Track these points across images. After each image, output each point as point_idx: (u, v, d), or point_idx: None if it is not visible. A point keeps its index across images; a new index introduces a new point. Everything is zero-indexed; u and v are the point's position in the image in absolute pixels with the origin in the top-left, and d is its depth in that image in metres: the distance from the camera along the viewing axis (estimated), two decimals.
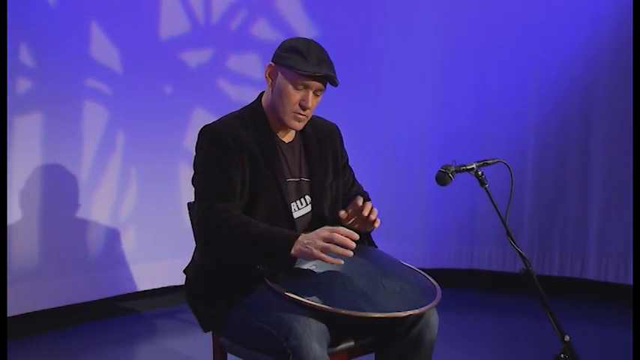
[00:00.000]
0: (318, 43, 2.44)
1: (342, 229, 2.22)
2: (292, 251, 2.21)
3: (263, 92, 2.53)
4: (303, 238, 2.22)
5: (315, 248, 2.18)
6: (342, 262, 2.19)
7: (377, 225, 2.43)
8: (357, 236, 2.22)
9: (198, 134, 2.44)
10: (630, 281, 4.54)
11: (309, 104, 2.40)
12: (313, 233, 2.22)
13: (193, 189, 2.45)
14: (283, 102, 2.41)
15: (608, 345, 4.07)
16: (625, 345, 4.10)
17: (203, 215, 2.34)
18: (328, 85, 2.43)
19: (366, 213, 2.39)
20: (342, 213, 2.46)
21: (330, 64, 2.41)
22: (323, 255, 2.18)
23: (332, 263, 2.19)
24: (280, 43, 2.48)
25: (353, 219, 2.45)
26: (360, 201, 2.40)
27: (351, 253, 2.19)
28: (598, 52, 4.52)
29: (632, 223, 4.50)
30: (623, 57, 4.46)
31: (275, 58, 2.44)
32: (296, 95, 2.40)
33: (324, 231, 2.21)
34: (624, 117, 4.50)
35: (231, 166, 2.37)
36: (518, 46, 4.67)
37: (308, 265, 2.25)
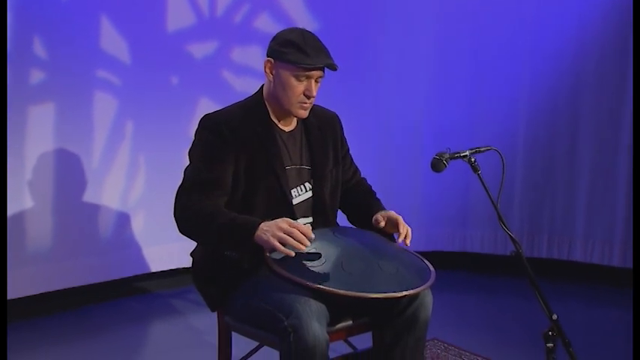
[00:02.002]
0: (310, 32, 2.43)
1: (301, 226, 2.22)
2: (254, 237, 2.21)
3: (264, 84, 2.52)
4: (263, 225, 2.22)
5: (272, 236, 2.18)
6: (293, 253, 2.18)
7: (408, 244, 2.44)
8: (312, 236, 2.22)
9: (199, 122, 2.44)
10: (614, 263, 4.55)
11: (313, 92, 2.40)
12: (272, 222, 2.21)
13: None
14: (288, 94, 2.40)
15: (593, 323, 4.08)
16: (609, 322, 4.12)
17: (178, 207, 2.35)
18: (329, 73, 2.42)
19: (401, 239, 2.42)
20: (382, 224, 2.47)
21: (326, 52, 2.40)
22: (278, 244, 2.17)
23: (284, 253, 2.18)
24: (274, 36, 2.45)
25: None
26: (401, 227, 2.42)
27: (304, 248, 2.19)
28: (586, 45, 4.51)
29: (617, 208, 4.51)
30: (610, 50, 4.46)
31: (273, 54, 2.41)
32: (299, 86, 2.39)
33: (284, 222, 2.21)
34: (610, 107, 4.50)
35: (224, 156, 2.37)
36: (510, 39, 4.66)
37: (308, 249, 2.25)
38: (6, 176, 3.54)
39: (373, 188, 2.76)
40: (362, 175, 2.79)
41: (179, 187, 2.39)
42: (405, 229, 2.43)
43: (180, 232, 2.36)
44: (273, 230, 2.19)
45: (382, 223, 2.48)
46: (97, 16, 3.97)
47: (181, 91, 4.28)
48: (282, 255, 2.22)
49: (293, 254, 2.18)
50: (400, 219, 2.45)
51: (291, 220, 2.24)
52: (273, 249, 2.19)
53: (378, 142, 4.82)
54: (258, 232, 2.21)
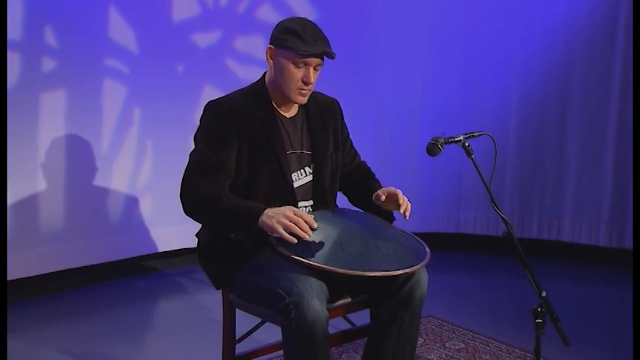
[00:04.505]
0: (311, 21, 2.42)
1: (306, 215, 2.21)
2: (259, 222, 2.21)
3: (267, 72, 2.51)
4: (269, 211, 2.21)
5: (277, 223, 2.17)
6: (296, 241, 2.17)
7: (407, 217, 2.41)
8: (316, 226, 2.21)
9: (204, 108, 2.43)
10: (601, 243, 4.57)
11: (311, 79, 2.39)
12: (278, 210, 2.21)
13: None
14: (287, 80, 2.39)
15: (580, 300, 4.10)
16: (595, 299, 4.15)
17: (184, 190, 2.35)
18: (328, 61, 2.41)
19: (402, 210, 2.39)
20: (383, 198, 2.43)
21: (325, 40, 2.38)
22: (282, 231, 2.16)
23: (287, 240, 2.17)
24: (276, 24, 2.45)
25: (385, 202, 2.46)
26: (400, 199, 2.39)
27: (307, 236, 2.18)
28: (574, 35, 4.51)
29: (603, 191, 4.53)
30: (598, 40, 4.46)
31: (274, 41, 2.40)
32: (298, 73, 2.38)
33: (289, 211, 2.20)
34: (597, 95, 4.51)
35: (228, 141, 2.36)
36: (502, 30, 4.65)
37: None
38: (6, 165, 3.53)
39: (372, 171, 2.75)
40: (362, 160, 2.78)
41: (185, 171, 2.39)
42: (404, 201, 2.41)
43: (186, 213, 2.36)
44: (278, 217, 2.18)
45: (383, 197, 2.45)
46: (105, 7, 3.96)
47: (187, 79, 4.28)
48: (250, 241, 2.23)
49: (295, 241, 2.18)
50: (399, 192, 2.42)
51: (296, 209, 2.23)
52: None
53: (375, 128, 4.81)
54: (263, 218, 2.20)
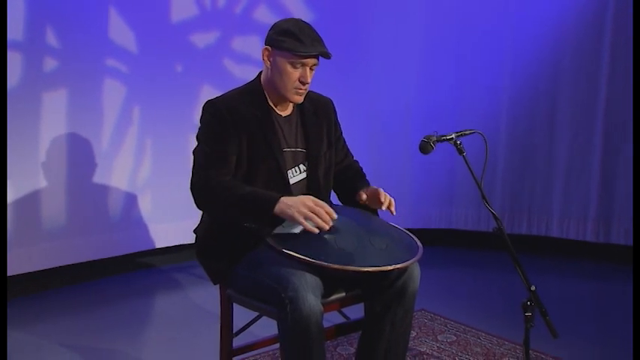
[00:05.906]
0: (306, 22, 2.42)
1: (326, 205, 2.22)
2: (275, 210, 2.21)
3: (262, 71, 2.51)
4: (287, 199, 2.21)
5: (297, 212, 2.18)
6: (317, 230, 2.18)
7: (393, 214, 2.42)
8: (335, 216, 2.21)
9: (202, 108, 2.43)
10: (588, 238, 4.58)
11: (309, 79, 2.40)
12: (297, 198, 2.21)
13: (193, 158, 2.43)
14: (284, 80, 2.39)
15: (568, 293, 4.11)
16: (582, 293, 4.16)
17: (197, 182, 2.34)
18: (323, 61, 2.41)
19: (385, 207, 2.40)
20: (364, 197, 2.46)
21: (320, 40, 2.38)
22: (303, 220, 2.17)
23: (308, 230, 2.18)
24: (272, 25, 2.44)
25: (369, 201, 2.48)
26: (382, 197, 2.40)
27: (327, 227, 2.19)
28: (563, 35, 4.52)
29: (590, 188, 4.54)
30: (586, 40, 4.46)
31: (271, 42, 2.40)
32: (295, 73, 2.38)
33: (309, 200, 2.21)
34: (585, 94, 4.51)
35: (228, 138, 2.36)
36: (493, 30, 4.65)
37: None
38: (6, 163, 3.52)
39: (364, 171, 2.75)
40: (354, 159, 2.78)
41: (193, 166, 2.38)
42: (386, 198, 2.41)
43: (198, 206, 2.35)
44: (298, 206, 2.19)
45: (364, 197, 2.47)
46: (105, 7, 3.94)
47: (185, 79, 4.26)
48: (280, 231, 2.22)
49: (317, 231, 2.18)
50: (380, 190, 2.43)
51: (316, 199, 2.23)
52: (297, 223, 2.19)
53: (369, 126, 4.81)
54: (281, 206, 2.20)
